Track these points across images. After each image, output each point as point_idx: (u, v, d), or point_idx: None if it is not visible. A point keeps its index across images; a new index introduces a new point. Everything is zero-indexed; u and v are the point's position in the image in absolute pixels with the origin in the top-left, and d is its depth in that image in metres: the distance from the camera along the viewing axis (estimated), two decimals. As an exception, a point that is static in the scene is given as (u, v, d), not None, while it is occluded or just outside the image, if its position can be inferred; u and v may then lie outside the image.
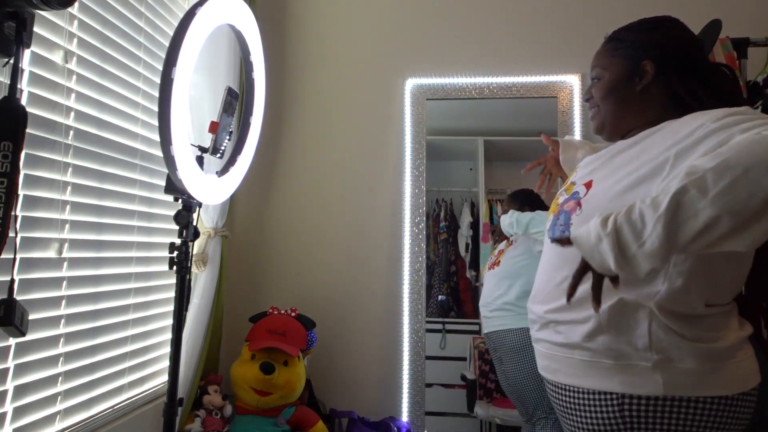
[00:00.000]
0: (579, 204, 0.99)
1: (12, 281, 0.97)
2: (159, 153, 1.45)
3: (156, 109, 1.34)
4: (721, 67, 1.07)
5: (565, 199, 1.05)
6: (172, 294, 1.55)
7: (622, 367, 0.90)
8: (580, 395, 0.95)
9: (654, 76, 1.03)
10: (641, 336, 0.89)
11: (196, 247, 1.92)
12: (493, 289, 1.97)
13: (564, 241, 0.89)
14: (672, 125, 0.96)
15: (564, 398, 0.99)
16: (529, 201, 2.04)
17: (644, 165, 0.93)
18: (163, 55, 1.17)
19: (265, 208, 2.32)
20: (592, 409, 0.93)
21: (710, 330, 0.90)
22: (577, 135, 2.19)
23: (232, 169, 1.52)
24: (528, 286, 1.89)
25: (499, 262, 1.99)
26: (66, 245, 1.31)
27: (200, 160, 1.35)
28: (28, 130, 1.02)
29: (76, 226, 1.34)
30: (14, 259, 1.00)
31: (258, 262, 2.29)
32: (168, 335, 1.81)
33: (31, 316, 1.12)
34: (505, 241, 2.06)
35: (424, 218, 2.22)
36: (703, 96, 1.01)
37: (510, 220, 1.94)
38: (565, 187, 1.10)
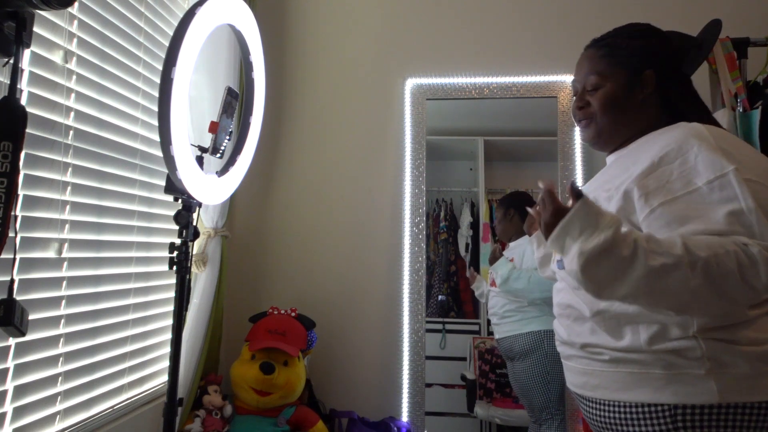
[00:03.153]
0: None
1: (12, 281, 0.97)
2: (159, 153, 1.45)
3: (156, 109, 1.34)
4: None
5: None
6: (172, 294, 1.55)
7: (673, 376, 0.88)
8: (627, 409, 0.91)
9: (654, 85, 1.04)
10: (692, 348, 0.88)
11: (196, 247, 1.92)
12: (498, 301, 2.02)
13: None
14: (657, 138, 0.99)
15: (607, 414, 0.95)
16: (515, 204, 2.09)
17: (628, 179, 0.96)
18: (163, 55, 1.17)
19: (265, 208, 2.32)
20: (642, 422, 0.89)
21: (761, 331, 0.88)
22: (577, 135, 2.19)
23: (232, 169, 1.52)
24: (531, 295, 1.93)
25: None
26: (66, 245, 1.31)
27: (200, 160, 1.35)
28: (28, 130, 1.02)
29: (76, 226, 1.34)
30: (14, 259, 1.00)
31: (258, 262, 2.29)
32: (168, 335, 1.80)
33: (31, 316, 1.12)
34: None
35: (424, 218, 2.22)
36: (691, 98, 1.05)
37: (501, 274, 2.00)
38: None
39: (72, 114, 1.31)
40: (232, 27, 1.45)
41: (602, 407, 0.96)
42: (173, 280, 1.36)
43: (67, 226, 1.31)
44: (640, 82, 1.04)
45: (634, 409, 0.91)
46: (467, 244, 2.37)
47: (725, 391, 0.85)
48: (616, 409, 0.93)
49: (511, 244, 2.08)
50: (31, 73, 1.17)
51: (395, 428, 2.03)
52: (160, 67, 1.16)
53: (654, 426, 0.88)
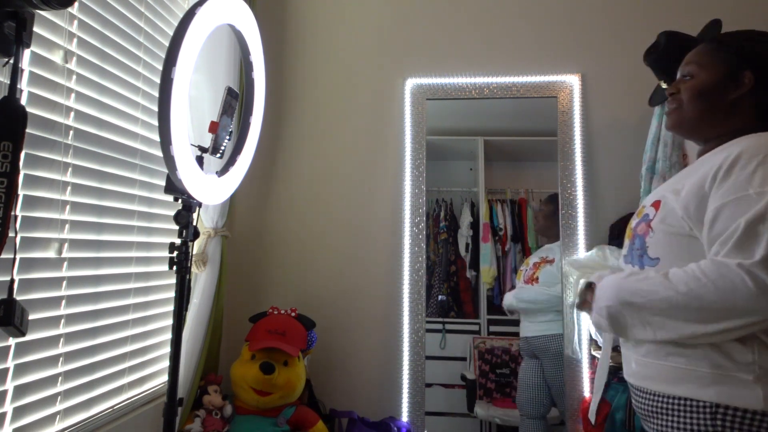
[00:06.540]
0: (650, 226, 1.01)
1: (12, 281, 0.97)
2: (159, 153, 1.45)
3: (156, 109, 1.34)
4: None
5: (637, 223, 1.06)
6: (172, 294, 1.55)
7: (719, 376, 0.89)
8: (671, 401, 0.94)
9: (751, 88, 1.01)
10: (743, 352, 0.89)
11: (196, 247, 1.92)
12: (530, 295, 2.06)
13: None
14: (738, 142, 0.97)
15: (652, 404, 0.98)
16: None
17: (700, 177, 0.95)
18: (163, 55, 1.18)
19: (265, 208, 2.32)
20: (684, 416, 0.92)
21: None
22: (577, 135, 2.18)
23: (232, 169, 1.53)
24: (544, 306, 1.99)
25: (538, 278, 2.06)
26: (66, 245, 1.31)
27: (200, 160, 1.35)
28: (28, 130, 1.03)
29: (76, 226, 1.34)
30: (14, 259, 1.00)
31: (258, 262, 2.29)
32: (168, 335, 1.80)
33: (31, 316, 1.12)
34: (536, 255, 2.15)
35: (424, 218, 2.22)
36: None
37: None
38: (637, 211, 1.11)
39: (72, 114, 1.31)
40: (232, 27, 1.45)
41: (649, 397, 0.99)
42: (173, 280, 1.36)
43: (67, 226, 1.31)
44: (735, 81, 1.02)
45: (677, 402, 0.93)
46: (467, 244, 2.37)
47: None
48: (662, 399, 0.96)
49: (547, 245, 2.15)
50: (31, 73, 1.17)
51: (395, 428, 2.03)
52: (160, 67, 1.16)
53: (694, 420, 0.90)
